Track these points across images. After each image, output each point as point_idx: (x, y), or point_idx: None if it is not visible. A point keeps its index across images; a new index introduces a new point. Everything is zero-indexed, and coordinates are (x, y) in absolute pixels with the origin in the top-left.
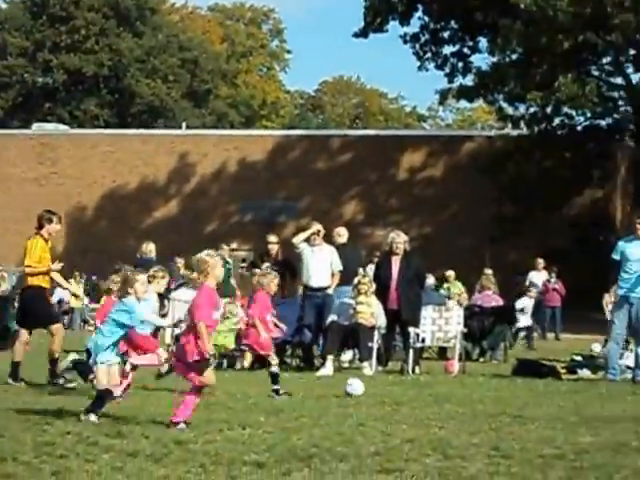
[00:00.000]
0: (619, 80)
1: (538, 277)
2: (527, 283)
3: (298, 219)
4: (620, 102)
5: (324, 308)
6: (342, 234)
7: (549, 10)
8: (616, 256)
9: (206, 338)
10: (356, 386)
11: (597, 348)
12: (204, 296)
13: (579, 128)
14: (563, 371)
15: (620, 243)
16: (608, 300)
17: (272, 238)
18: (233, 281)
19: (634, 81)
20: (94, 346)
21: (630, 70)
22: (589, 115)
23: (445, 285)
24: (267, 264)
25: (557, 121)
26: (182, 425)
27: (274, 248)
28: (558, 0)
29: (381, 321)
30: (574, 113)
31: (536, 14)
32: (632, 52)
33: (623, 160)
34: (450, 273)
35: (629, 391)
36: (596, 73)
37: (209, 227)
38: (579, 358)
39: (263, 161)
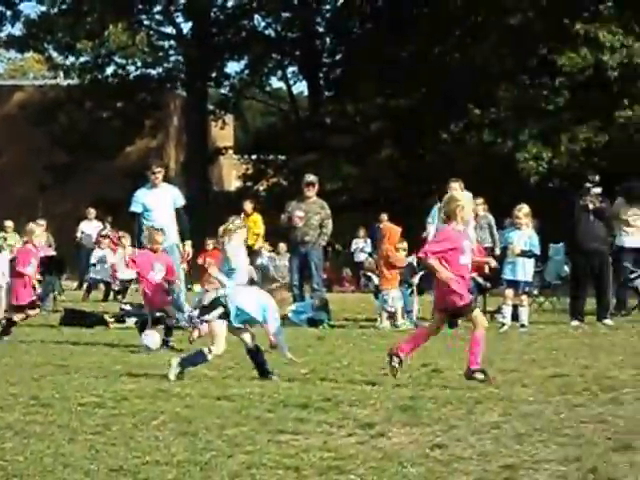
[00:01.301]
0: (170, 30)
1: (89, 227)
2: (79, 233)
3: None
4: (171, 52)
5: None
6: None
7: None
8: (136, 209)
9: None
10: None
11: None
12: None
13: (131, 77)
14: (111, 320)
15: (138, 193)
16: None
17: None
18: None
19: (184, 31)
20: None
21: (180, 19)
22: (140, 65)
23: (1, 235)
24: None
25: (109, 71)
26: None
27: None
28: None
29: None
30: (125, 62)
31: None
32: (182, 1)
33: (175, 110)
34: (9, 224)
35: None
36: (147, 22)
37: None
38: (128, 307)
39: None
